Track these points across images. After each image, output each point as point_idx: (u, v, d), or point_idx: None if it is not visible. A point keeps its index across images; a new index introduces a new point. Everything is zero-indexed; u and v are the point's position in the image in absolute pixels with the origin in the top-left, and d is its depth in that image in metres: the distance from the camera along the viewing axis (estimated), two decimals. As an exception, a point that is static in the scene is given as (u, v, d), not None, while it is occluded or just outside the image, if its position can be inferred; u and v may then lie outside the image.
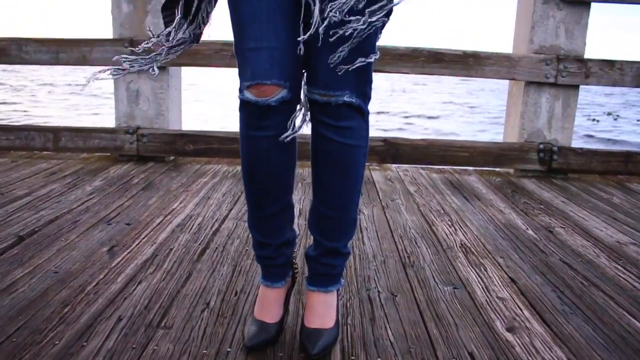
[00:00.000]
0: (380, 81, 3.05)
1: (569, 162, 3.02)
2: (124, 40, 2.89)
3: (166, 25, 1.25)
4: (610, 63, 3.01)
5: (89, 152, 3.07)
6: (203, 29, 1.26)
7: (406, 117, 12.85)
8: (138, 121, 3.00)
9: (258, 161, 1.20)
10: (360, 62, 1.10)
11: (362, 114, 1.21)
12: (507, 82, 3.20)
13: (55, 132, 3.03)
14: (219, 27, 1.34)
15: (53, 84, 18.58)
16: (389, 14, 1.14)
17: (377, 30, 1.14)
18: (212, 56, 2.86)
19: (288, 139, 1.16)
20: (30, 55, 3.00)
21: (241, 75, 1.14)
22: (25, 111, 11.33)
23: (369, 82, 1.20)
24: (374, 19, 1.06)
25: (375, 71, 1.24)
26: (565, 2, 2.93)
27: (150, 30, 1.28)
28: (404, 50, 2.86)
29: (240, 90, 1.14)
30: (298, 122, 1.19)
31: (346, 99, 1.15)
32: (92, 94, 14.86)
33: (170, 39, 1.27)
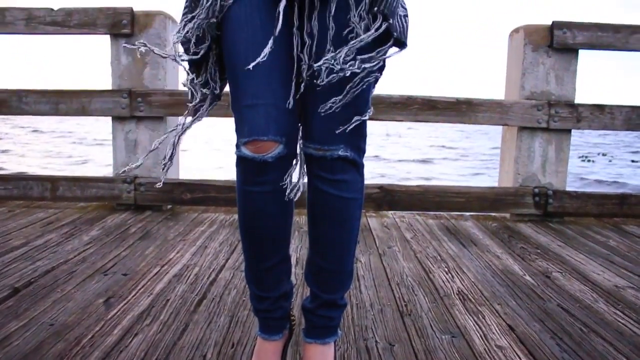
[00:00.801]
0: (374, 125, 3.08)
1: (564, 206, 3.04)
2: (123, 91, 2.94)
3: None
4: (600, 107, 3.07)
5: (87, 201, 3.08)
6: (221, 86, 1.28)
7: (401, 161, 12.93)
8: (136, 170, 3.02)
9: (255, 216, 1.22)
10: (355, 120, 1.14)
11: (357, 167, 1.23)
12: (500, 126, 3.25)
13: (53, 182, 3.05)
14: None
15: (38, 129, 18.70)
16: (381, 69, 1.18)
17: (370, 86, 1.18)
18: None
19: (294, 197, 1.18)
20: (30, 106, 3.05)
21: (238, 132, 1.17)
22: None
23: (363, 136, 1.23)
24: (367, 65, 1.09)
25: (370, 119, 1.27)
26: (554, 50, 3.01)
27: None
28: (397, 98, 2.92)
29: (237, 147, 1.16)
30: (295, 178, 1.22)
31: (341, 153, 1.18)
32: (79, 141, 15.01)
33: (193, 100, 1.29)
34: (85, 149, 13.94)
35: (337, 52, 1.07)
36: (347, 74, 1.09)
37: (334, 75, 1.08)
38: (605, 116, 3.07)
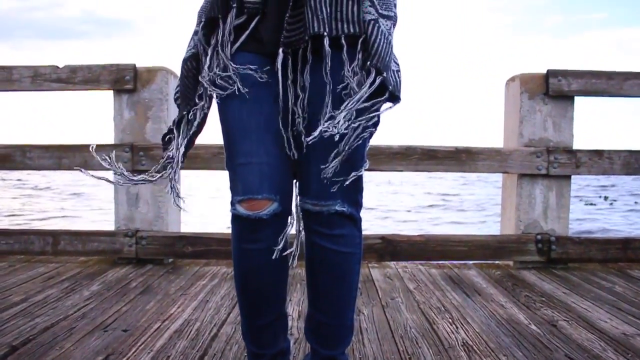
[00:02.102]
0: (374, 174, 3.09)
1: (567, 252, 3.02)
2: (125, 146, 2.98)
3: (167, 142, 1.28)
4: (599, 153, 3.08)
5: (88, 256, 3.07)
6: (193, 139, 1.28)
7: (402, 211, 12.90)
8: (137, 224, 3.02)
9: (251, 273, 1.21)
10: (352, 176, 1.15)
11: (355, 221, 1.24)
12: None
13: (55, 236, 3.05)
14: (218, 130, 1.38)
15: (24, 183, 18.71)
16: (376, 124, 1.20)
17: (366, 141, 1.19)
18: (211, 159, 2.94)
19: (294, 263, 1.18)
20: (33, 161, 3.08)
21: (232, 190, 1.18)
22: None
23: (359, 190, 1.24)
24: (362, 121, 1.10)
25: (371, 170, 1.28)
26: (550, 97, 3.06)
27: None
28: (397, 149, 2.95)
29: (232, 204, 1.17)
30: (292, 230, 1.22)
31: (338, 208, 1.19)
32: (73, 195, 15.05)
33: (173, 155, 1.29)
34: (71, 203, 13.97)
35: (336, 116, 1.08)
36: (345, 131, 1.11)
37: (327, 133, 1.09)
38: (604, 161, 3.08)
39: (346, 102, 1.08)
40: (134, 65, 3.01)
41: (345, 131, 1.08)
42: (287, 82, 1.18)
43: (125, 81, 2.99)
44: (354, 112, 1.09)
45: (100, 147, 3.01)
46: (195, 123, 1.22)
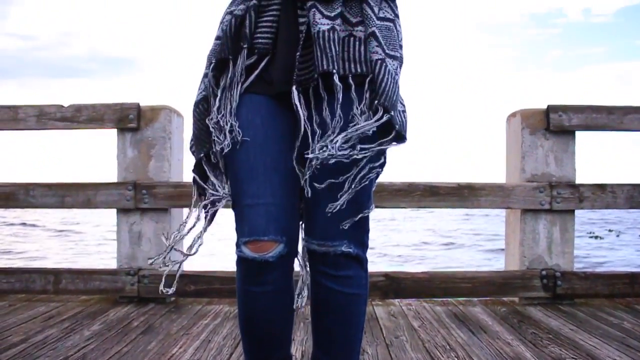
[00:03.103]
0: (377, 210, 3.08)
1: (573, 287, 2.99)
2: (128, 184, 2.99)
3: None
4: (602, 187, 3.08)
5: (89, 294, 3.05)
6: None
7: (405, 247, 12.81)
8: (140, 262, 3.01)
9: (256, 316, 1.20)
10: (359, 217, 1.15)
11: (361, 262, 1.23)
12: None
13: (56, 274, 3.04)
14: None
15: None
16: (382, 165, 1.21)
17: (372, 182, 1.20)
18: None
19: (300, 307, 1.18)
20: (37, 200, 3.09)
21: (238, 231, 1.18)
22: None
23: (366, 231, 1.24)
24: (366, 152, 1.11)
25: (374, 207, 1.28)
26: (551, 132, 3.07)
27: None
28: (400, 185, 2.95)
29: (238, 246, 1.17)
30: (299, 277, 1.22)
31: (344, 249, 1.19)
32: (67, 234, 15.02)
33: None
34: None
35: (335, 136, 1.09)
36: (346, 160, 1.11)
37: (329, 158, 1.09)
38: (607, 195, 3.08)
39: (350, 128, 1.10)
40: (138, 104, 3.04)
41: (343, 153, 1.08)
42: (304, 119, 1.20)
43: (129, 120, 3.02)
44: (357, 143, 1.10)
45: (104, 186, 3.02)
46: (222, 166, 1.24)
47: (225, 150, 1.19)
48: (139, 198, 2.97)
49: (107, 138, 3.19)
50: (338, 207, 1.14)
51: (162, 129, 3.04)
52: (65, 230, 16.29)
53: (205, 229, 1.29)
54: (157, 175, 3.02)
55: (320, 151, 1.08)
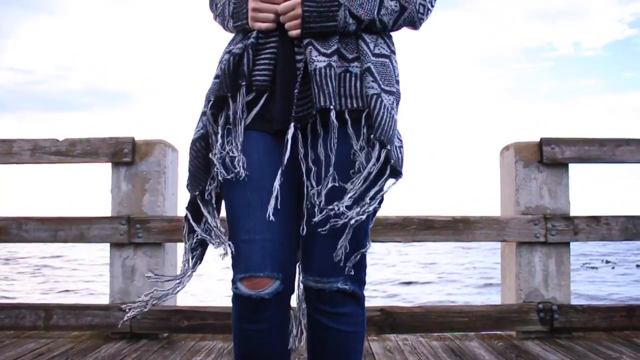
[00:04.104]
0: (372, 245, 3.05)
1: (571, 321, 2.97)
2: (122, 218, 2.97)
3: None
4: (596, 219, 3.08)
5: (81, 330, 3.00)
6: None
7: (400, 281, 12.70)
8: (132, 297, 2.97)
9: (251, 354, 1.19)
10: (357, 254, 1.14)
11: (357, 299, 1.22)
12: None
13: (47, 310, 2.99)
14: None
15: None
16: (380, 201, 1.21)
17: (370, 218, 1.20)
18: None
19: (294, 349, 1.16)
20: (29, 234, 3.06)
21: (234, 268, 1.17)
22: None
23: (363, 267, 1.23)
24: (370, 209, 1.12)
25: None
26: (545, 165, 3.09)
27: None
28: (394, 219, 2.95)
29: (234, 282, 1.16)
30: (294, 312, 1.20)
31: (340, 285, 1.18)
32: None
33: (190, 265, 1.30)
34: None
35: (344, 196, 1.10)
36: (352, 222, 1.12)
37: (336, 221, 1.10)
38: (601, 227, 3.08)
39: (354, 182, 1.10)
40: (133, 138, 3.05)
41: (351, 215, 1.09)
42: (299, 156, 1.20)
43: (123, 154, 3.02)
44: (361, 192, 1.11)
45: (97, 220, 3.00)
46: (214, 204, 1.24)
47: (228, 177, 1.19)
48: (133, 232, 2.95)
49: (102, 172, 3.19)
50: (339, 249, 1.13)
51: (156, 163, 3.04)
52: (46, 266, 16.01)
53: (193, 269, 1.29)
54: (151, 210, 3.00)
55: (329, 212, 1.08)
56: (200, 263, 1.32)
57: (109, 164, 3.08)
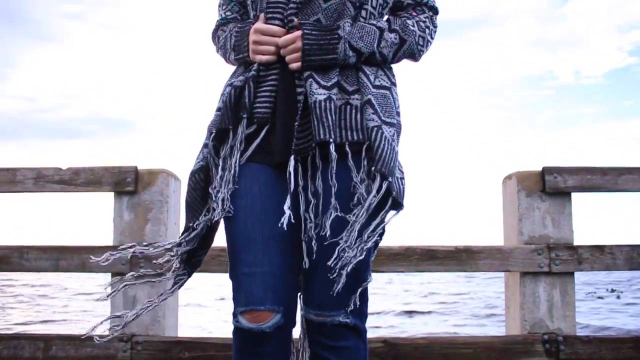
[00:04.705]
0: (375, 275, 3.02)
1: (577, 352, 2.92)
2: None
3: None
4: (600, 248, 3.06)
5: (80, 362, 2.96)
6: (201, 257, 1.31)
7: (403, 313, 12.55)
8: (133, 328, 2.94)
9: (252, 389, 1.17)
10: (358, 287, 1.14)
11: (359, 332, 1.21)
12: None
13: (47, 341, 2.96)
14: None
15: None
16: (381, 234, 1.21)
17: (371, 252, 1.20)
18: (209, 262, 2.90)
19: None
20: (30, 263, 3.05)
21: (235, 301, 1.16)
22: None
23: (364, 300, 1.22)
24: (371, 244, 1.11)
25: (371, 271, 1.27)
26: (547, 194, 3.08)
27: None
28: (397, 249, 2.93)
29: (234, 315, 1.15)
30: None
31: (342, 319, 1.17)
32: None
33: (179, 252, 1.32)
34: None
35: (345, 240, 1.10)
36: (358, 257, 1.12)
37: (336, 262, 1.10)
38: (606, 257, 3.06)
39: (355, 214, 1.10)
40: (136, 167, 3.06)
41: (351, 254, 1.09)
42: (298, 188, 1.21)
43: (126, 183, 3.02)
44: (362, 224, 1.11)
45: (99, 249, 2.99)
46: (194, 234, 1.24)
47: (216, 219, 1.19)
48: (135, 262, 2.94)
49: (104, 201, 3.19)
50: (335, 276, 1.13)
51: (159, 193, 3.05)
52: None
53: (167, 295, 1.31)
54: (153, 239, 2.99)
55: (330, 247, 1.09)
56: (174, 291, 1.34)
57: (112, 193, 3.09)
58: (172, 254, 1.30)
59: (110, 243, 3.05)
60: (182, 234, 1.28)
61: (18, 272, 3.17)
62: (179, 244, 1.30)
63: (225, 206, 1.17)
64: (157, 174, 3.07)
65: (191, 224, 1.25)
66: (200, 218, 1.23)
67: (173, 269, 1.30)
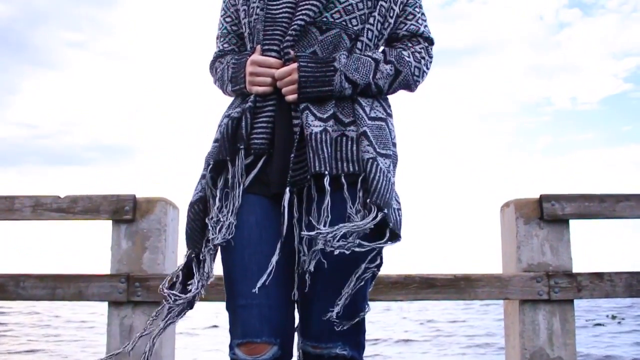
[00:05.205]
0: (373, 304, 3.00)
1: (578, 382, 2.89)
2: (121, 276, 2.95)
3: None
4: (600, 275, 3.05)
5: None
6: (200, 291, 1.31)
7: (400, 341, 12.40)
8: (130, 358, 2.91)
9: None
10: (355, 318, 1.13)
11: (356, 364, 1.20)
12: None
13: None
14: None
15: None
16: (379, 266, 1.21)
17: (368, 283, 1.19)
18: (209, 290, 2.89)
19: None
20: (27, 291, 3.03)
21: (232, 333, 1.16)
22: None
23: (362, 331, 1.21)
24: (360, 248, 1.11)
25: (370, 300, 1.27)
26: (545, 221, 3.08)
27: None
28: (395, 278, 2.92)
29: (231, 348, 1.15)
30: None
31: (339, 351, 1.16)
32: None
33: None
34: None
35: (334, 228, 1.10)
36: (346, 252, 1.11)
37: (326, 250, 1.09)
38: (605, 284, 3.05)
39: (350, 225, 1.10)
40: (134, 195, 3.06)
41: (340, 244, 1.09)
42: (293, 220, 1.21)
43: (124, 211, 3.03)
44: (355, 238, 1.11)
45: (96, 278, 2.98)
46: (207, 266, 1.24)
47: (218, 242, 1.19)
48: (132, 291, 2.92)
49: (102, 229, 3.19)
50: (334, 310, 1.12)
51: (157, 221, 3.04)
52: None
53: (162, 329, 1.31)
54: (151, 268, 2.99)
55: (318, 238, 1.08)
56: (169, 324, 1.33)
57: (110, 221, 3.09)
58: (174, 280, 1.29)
59: (107, 271, 3.04)
60: (184, 266, 1.28)
61: (14, 300, 3.14)
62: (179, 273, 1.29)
63: (227, 234, 1.17)
64: (155, 203, 3.07)
65: (193, 256, 1.25)
66: (202, 250, 1.24)
67: (176, 299, 1.29)
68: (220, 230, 1.18)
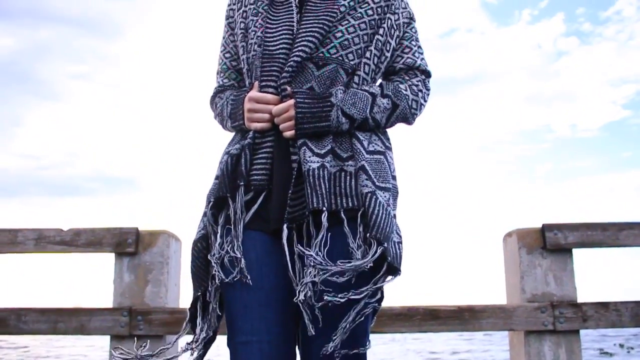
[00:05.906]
0: (377, 336, 2.98)
1: (586, 415, 2.84)
2: (123, 309, 2.94)
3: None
4: (605, 305, 3.02)
5: None
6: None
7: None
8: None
9: None
10: (355, 352, 1.13)
11: (358, 399, 1.18)
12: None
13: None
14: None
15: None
16: (379, 300, 1.20)
17: (369, 318, 1.19)
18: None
19: None
20: (28, 325, 3.01)
21: (233, 370, 1.15)
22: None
23: (363, 366, 1.20)
24: (358, 296, 1.11)
25: (374, 332, 1.27)
26: (548, 251, 3.07)
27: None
28: (399, 310, 2.90)
29: (231, 387, 1.14)
30: None
31: (340, 387, 1.15)
32: None
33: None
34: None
35: (330, 267, 1.10)
36: (342, 300, 1.11)
37: (323, 302, 1.09)
38: (611, 313, 3.02)
39: (348, 264, 1.10)
40: (137, 228, 3.07)
41: (346, 325, 1.09)
42: (294, 257, 1.22)
43: (127, 244, 3.03)
44: (353, 277, 1.11)
45: (98, 311, 2.97)
46: (216, 304, 1.25)
47: (226, 279, 1.19)
48: (134, 324, 2.90)
49: (105, 261, 3.19)
50: (330, 346, 1.12)
51: (160, 254, 3.05)
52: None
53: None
54: (153, 301, 2.98)
55: (310, 286, 1.09)
56: None
57: (113, 254, 3.09)
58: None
59: (110, 305, 3.03)
60: (192, 304, 1.28)
61: (15, 335, 3.13)
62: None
63: (237, 274, 1.17)
64: (157, 235, 3.07)
65: (199, 294, 1.26)
66: (209, 288, 1.24)
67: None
68: (225, 268, 1.19)
